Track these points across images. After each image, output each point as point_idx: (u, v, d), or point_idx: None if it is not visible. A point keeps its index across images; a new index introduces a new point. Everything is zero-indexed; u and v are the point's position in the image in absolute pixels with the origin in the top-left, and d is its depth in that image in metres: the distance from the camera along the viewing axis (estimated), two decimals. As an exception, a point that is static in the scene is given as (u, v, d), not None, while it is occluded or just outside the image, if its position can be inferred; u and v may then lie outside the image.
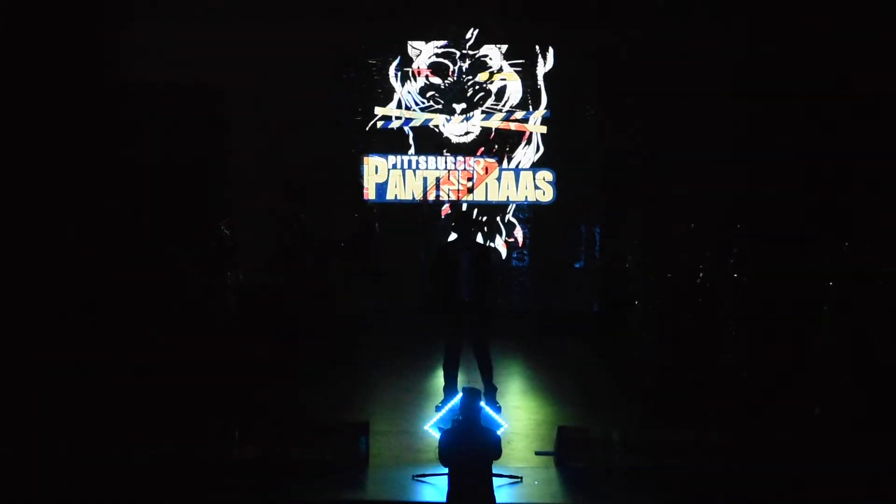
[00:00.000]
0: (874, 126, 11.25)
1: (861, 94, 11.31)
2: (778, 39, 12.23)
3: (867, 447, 9.20)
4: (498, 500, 7.67)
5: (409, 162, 13.88)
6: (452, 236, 13.56)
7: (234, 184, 13.17)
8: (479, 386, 10.03)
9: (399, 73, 13.84)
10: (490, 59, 13.83)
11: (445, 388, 10.22)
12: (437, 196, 13.80)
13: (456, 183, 13.84)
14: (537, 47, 13.86)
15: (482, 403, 8.39)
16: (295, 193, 12.79)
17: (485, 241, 13.13)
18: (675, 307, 11.66)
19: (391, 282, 13.51)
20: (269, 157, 13.27)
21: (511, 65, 13.87)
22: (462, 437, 7.71)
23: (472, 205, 13.78)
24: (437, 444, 7.98)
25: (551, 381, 11.73)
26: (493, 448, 7.72)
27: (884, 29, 11.33)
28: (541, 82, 13.85)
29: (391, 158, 13.88)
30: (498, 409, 10.03)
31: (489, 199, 13.89)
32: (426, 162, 13.90)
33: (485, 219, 13.71)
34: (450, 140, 13.93)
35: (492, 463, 7.71)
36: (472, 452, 7.60)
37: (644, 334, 11.88)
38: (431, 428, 9.62)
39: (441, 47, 13.86)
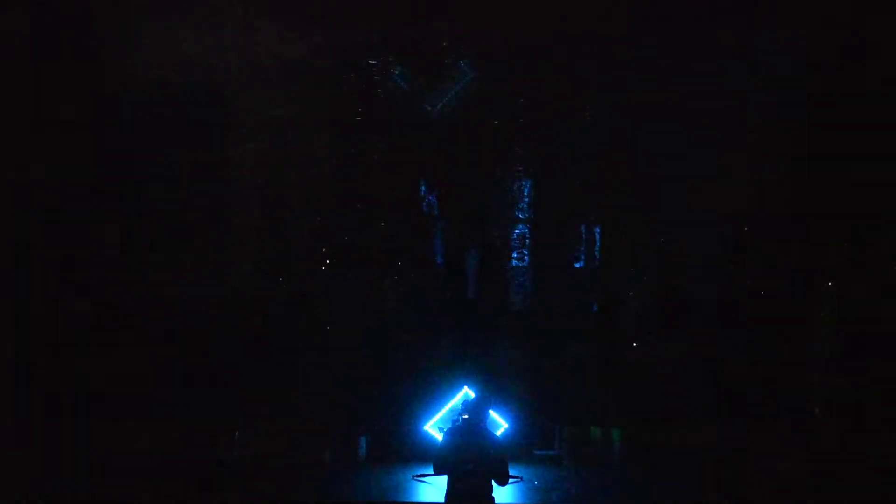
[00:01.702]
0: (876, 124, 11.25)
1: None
2: (778, 37, 12.23)
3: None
4: (498, 501, 7.66)
5: (410, 162, 13.85)
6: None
7: (234, 184, 13.13)
8: (478, 387, 10.03)
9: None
10: (490, 58, 13.79)
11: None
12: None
13: (456, 183, 13.81)
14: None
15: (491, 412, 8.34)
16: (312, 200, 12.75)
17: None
18: (674, 308, 11.66)
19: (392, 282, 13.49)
20: (269, 157, 13.24)
21: (511, 64, 13.83)
22: (466, 442, 7.57)
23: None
24: (437, 444, 7.96)
25: (552, 381, 11.73)
26: (499, 469, 7.54)
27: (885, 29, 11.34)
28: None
29: (391, 158, 13.84)
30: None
31: (489, 199, 13.85)
32: (426, 162, 13.86)
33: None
34: (450, 140, 13.89)
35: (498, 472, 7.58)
36: (475, 458, 7.50)
37: (643, 334, 11.89)
38: (432, 428, 9.64)
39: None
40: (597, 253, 13.83)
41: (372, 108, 13.62)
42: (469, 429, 7.73)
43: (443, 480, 7.87)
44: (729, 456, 9.36)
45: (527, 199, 13.76)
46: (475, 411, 7.79)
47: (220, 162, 12.60)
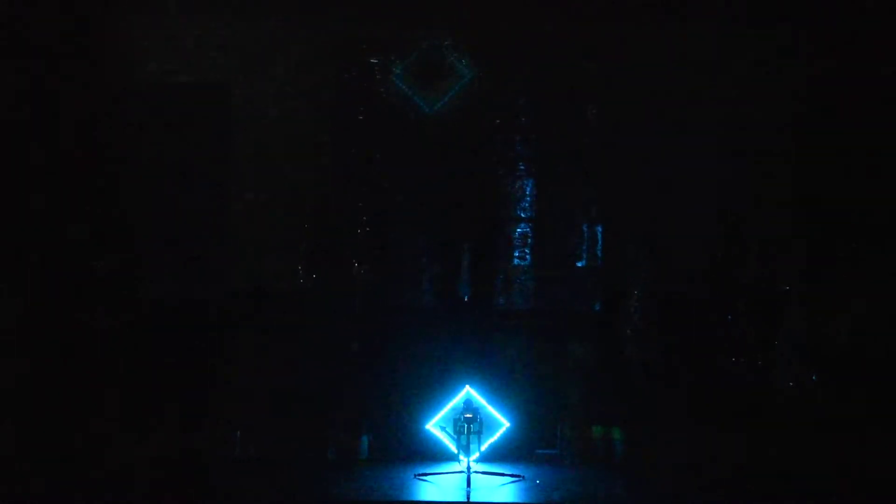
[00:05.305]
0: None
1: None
2: (778, 36, 12.23)
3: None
4: (498, 500, 7.67)
5: (410, 161, 13.84)
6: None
7: (234, 184, 13.13)
8: (479, 388, 10.01)
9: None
10: (490, 57, 13.78)
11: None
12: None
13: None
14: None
15: (483, 402, 8.34)
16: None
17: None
18: (674, 307, 11.66)
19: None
20: (269, 157, 13.24)
21: (511, 64, 13.81)
22: None
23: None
24: (438, 443, 7.96)
25: (552, 381, 11.71)
26: None
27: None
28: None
29: (391, 158, 13.83)
30: None
31: (489, 198, 13.84)
32: (426, 161, 13.85)
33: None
34: (450, 139, 13.87)
35: None
36: None
37: (644, 334, 11.88)
38: (434, 427, 9.63)
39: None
40: (598, 252, 13.83)
41: (372, 107, 13.65)
42: None
43: (444, 480, 7.88)
44: (729, 456, 9.35)
45: (528, 199, 13.77)
46: None
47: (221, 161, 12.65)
